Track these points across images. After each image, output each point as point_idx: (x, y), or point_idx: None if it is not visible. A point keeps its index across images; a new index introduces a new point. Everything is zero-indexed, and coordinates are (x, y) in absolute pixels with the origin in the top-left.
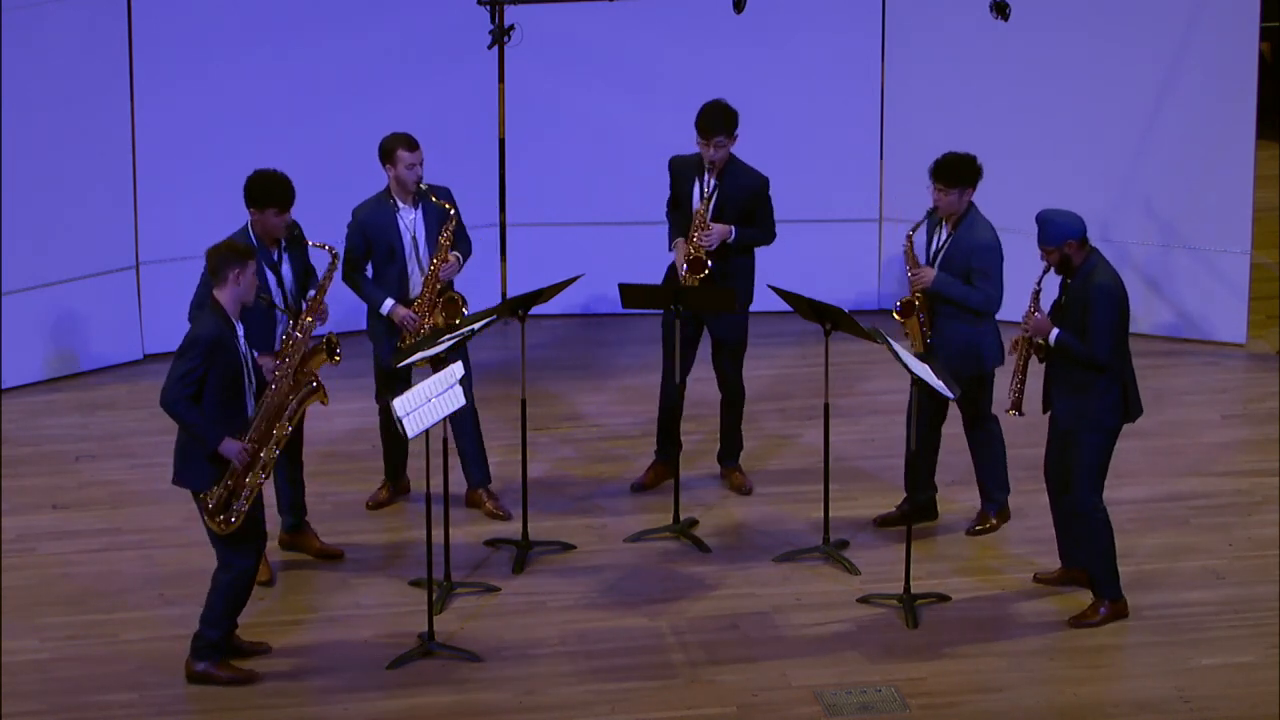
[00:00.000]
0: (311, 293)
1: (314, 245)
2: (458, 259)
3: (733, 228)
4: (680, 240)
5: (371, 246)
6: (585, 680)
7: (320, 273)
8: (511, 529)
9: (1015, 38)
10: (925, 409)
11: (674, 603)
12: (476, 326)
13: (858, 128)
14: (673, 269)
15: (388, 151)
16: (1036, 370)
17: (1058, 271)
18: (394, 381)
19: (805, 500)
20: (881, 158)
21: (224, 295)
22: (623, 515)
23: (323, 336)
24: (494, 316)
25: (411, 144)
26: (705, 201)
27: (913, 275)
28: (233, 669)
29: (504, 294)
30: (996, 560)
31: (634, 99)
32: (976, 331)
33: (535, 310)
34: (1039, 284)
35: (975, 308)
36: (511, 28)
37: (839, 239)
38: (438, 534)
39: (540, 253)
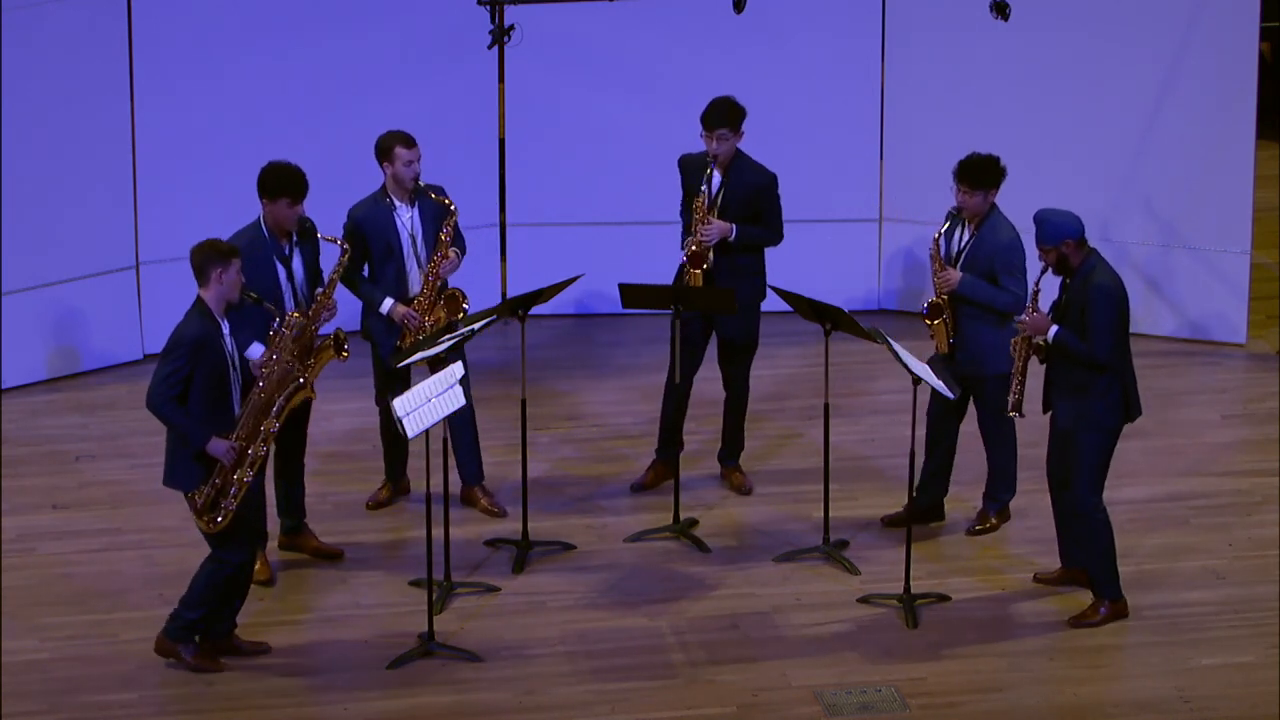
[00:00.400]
0: (321, 288)
1: (325, 239)
2: (457, 255)
3: (734, 225)
4: (690, 238)
5: (368, 245)
6: (585, 680)
7: (330, 269)
8: (511, 529)
9: (1015, 38)
10: (944, 414)
11: (674, 603)
12: (476, 326)
13: (858, 128)
14: (684, 268)
15: (385, 149)
16: (1036, 371)
17: (1055, 271)
18: (394, 381)
19: (805, 500)
20: (881, 158)
21: (209, 294)
22: (623, 515)
23: (329, 333)
24: (494, 316)
25: (409, 142)
26: (703, 195)
27: (939, 278)
28: (201, 658)
29: (504, 294)
30: (996, 560)
31: (634, 99)
32: (999, 333)
33: (535, 310)
34: (1038, 284)
35: (1003, 308)
36: (511, 28)
37: (839, 239)
38: (438, 534)
39: (540, 253)
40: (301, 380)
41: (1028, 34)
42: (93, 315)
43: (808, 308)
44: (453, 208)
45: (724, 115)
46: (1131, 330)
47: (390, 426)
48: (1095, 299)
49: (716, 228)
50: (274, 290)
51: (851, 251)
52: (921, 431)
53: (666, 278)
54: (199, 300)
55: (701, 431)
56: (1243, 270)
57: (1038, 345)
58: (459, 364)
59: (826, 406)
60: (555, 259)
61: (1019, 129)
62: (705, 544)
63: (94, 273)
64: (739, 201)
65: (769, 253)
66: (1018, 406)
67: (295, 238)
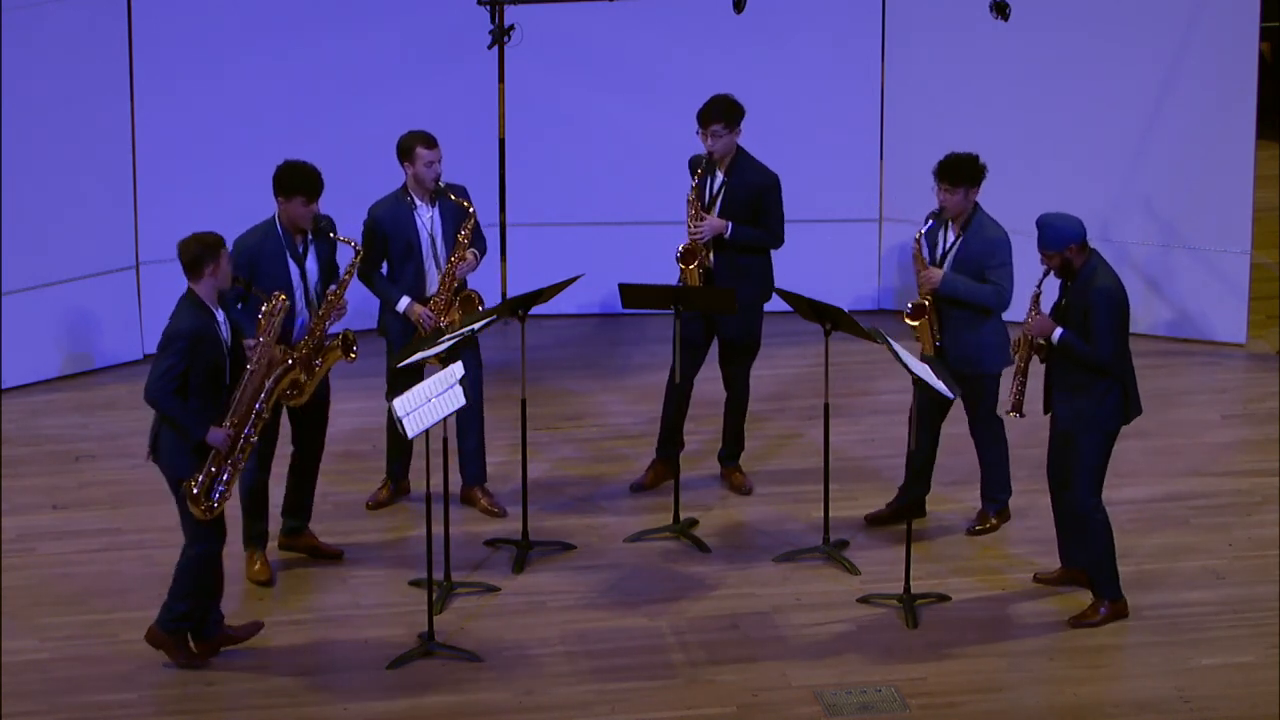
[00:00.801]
0: (333, 286)
1: (339, 239)
2: (475, 256)
3: (729, 223)
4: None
5: (388, 244)
6: (585, 680)
7: (342, 269)
8: (511, 529)
9: (1015, 38)
10: (927, 410)
11: (674, 603)
12: (476, 326)
13: (858, 128)
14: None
15: (406, 149)
16: (1037, 371)
17: (1058, 275)
18: (407, 380)
19: (805, 500)
20: (881, 158)
21: (201, 287)
22: (623, 515)
23: (338, 333)
24: (494, 316)
25: (430, 142)
26: (695, 190)
27: (921, 277)
28: (186, 652)
29: (504, 294)
30: (996, 560)
31: (634, 99)
32: (984, 331)
33: (535, 310)
34: (1039, 287)
35: (986, 303)
36: (511, 28)
37: (839, 239)
38: (438, 534)
39: (540, 253)
40: (290, 361)
41: (1028, 34)
42: (93, 315)
43: (808, 308)
44: (471, 210)
45: (718, 111)
46: (1132, 330)
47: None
48: (1097, 302)
49: (709, 225)
50: (287, 288)
51: (851, 251)
52: (926, 432)
53: (667, 277)
54: (190, 293)
55: (701, 431)
56: (1243, 270)
57: (1039, 345)
58: (459, 364)
59: (826, 406)
60: (555, 259)
61: (1019, 129)
62: (705, 544)
63: (94, 273)
64: (739, 201)
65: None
66: (1018, 407)
67: (310, 236)
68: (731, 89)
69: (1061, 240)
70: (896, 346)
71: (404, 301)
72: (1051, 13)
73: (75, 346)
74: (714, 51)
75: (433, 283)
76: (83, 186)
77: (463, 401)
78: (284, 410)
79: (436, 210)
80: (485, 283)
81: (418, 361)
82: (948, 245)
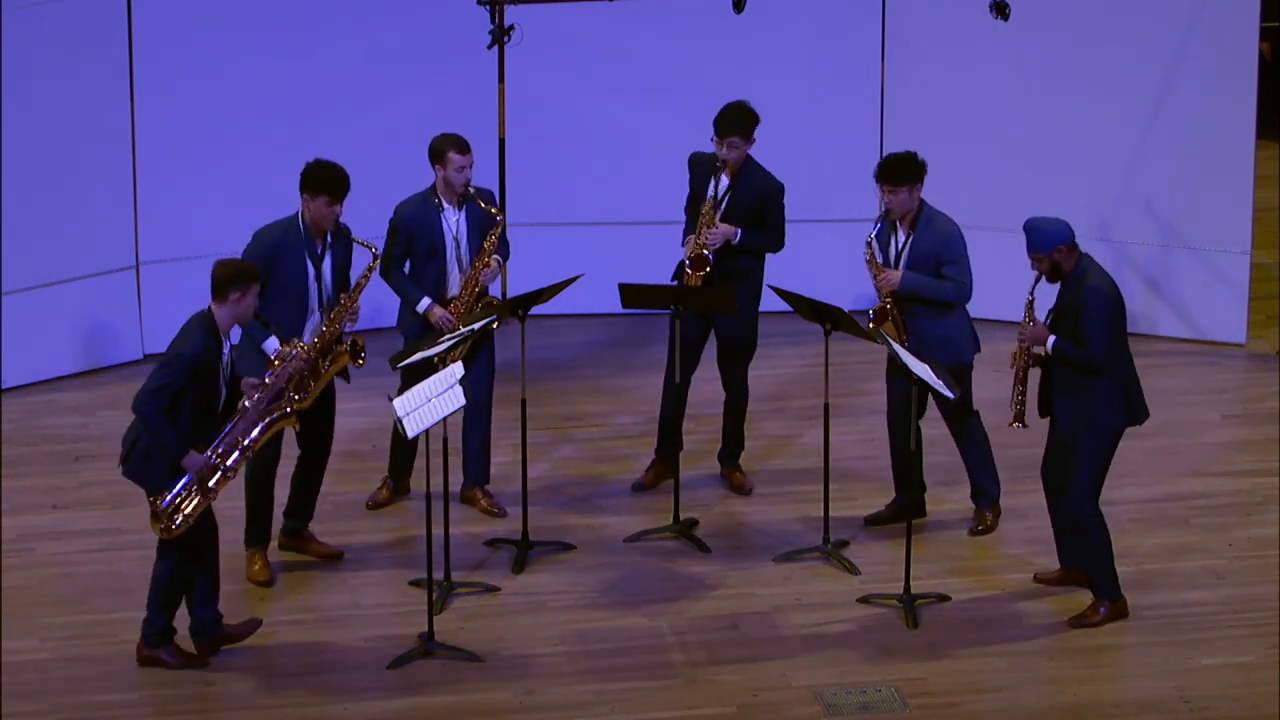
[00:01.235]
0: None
1: (358, 243)
2: (499, 263)
3: (739, 230)
4: (691, 238)
5: (412, 244)
6: (585, 680)
7: (359, 273)
8: (511, 529)
9: (1015, 38)
10: (905, 408)
11: (674, 603)
12: (476, 326)
13: (858, 128)
14: (683, 266)
15: (438, 152)
16: (1037, 377)
17: (1049, 279)
18: (419, 380)
19: (805, 500)
20: (881, 158)
21: (221, 312)
22: (623, 515)
23: (348, 337)
24: (493, 317)
25: (463, 146)
26: (711, 200)
27: (879, 281)
28: (181, 655)
29: (504, 294)
30: (996, 560)
31: (634, 99)
32: (949, 325)
33: (535, 310)
34: (1031, 294)
35: (948, 299)
36: (511, 28)
37: (839, 239)
38: (438, 534)
39: (540, 253)
40: (288, 410)
41: (1028, 34)
42: (93, 315)
43: (808, 308)
44: (500, 217)
45: (737, 124)
46: (1131, 330)
47: None
48: (1088, 303)
49: (721, 232)
50: (301, 287)
51: (851, 251)
52: (927, 431)
53: (666, 277)
54: (207, 314)
55: (701, 431)
56: (1243, 270)
57: (1036, 355)
58: (459, 364)
59: (826, 406)
60: (555, 259)
61: (1019, 129)
62: (705, 544)
63: (94, 273)
64: (744, 207)
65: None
66: (1020, 417)
67: (330, 238)
68: (731, 89)
69: (1049, 243)
70: (896, 346)
71: (425, 302)
72: (1051, 13)
73: (75, 347)
74: (714, 51)
75: (454, 286)
76: (83, 186)
77: (463, 401)
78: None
79: (464, 214)
80: None
81: (418, 361)
82: (900, 245)
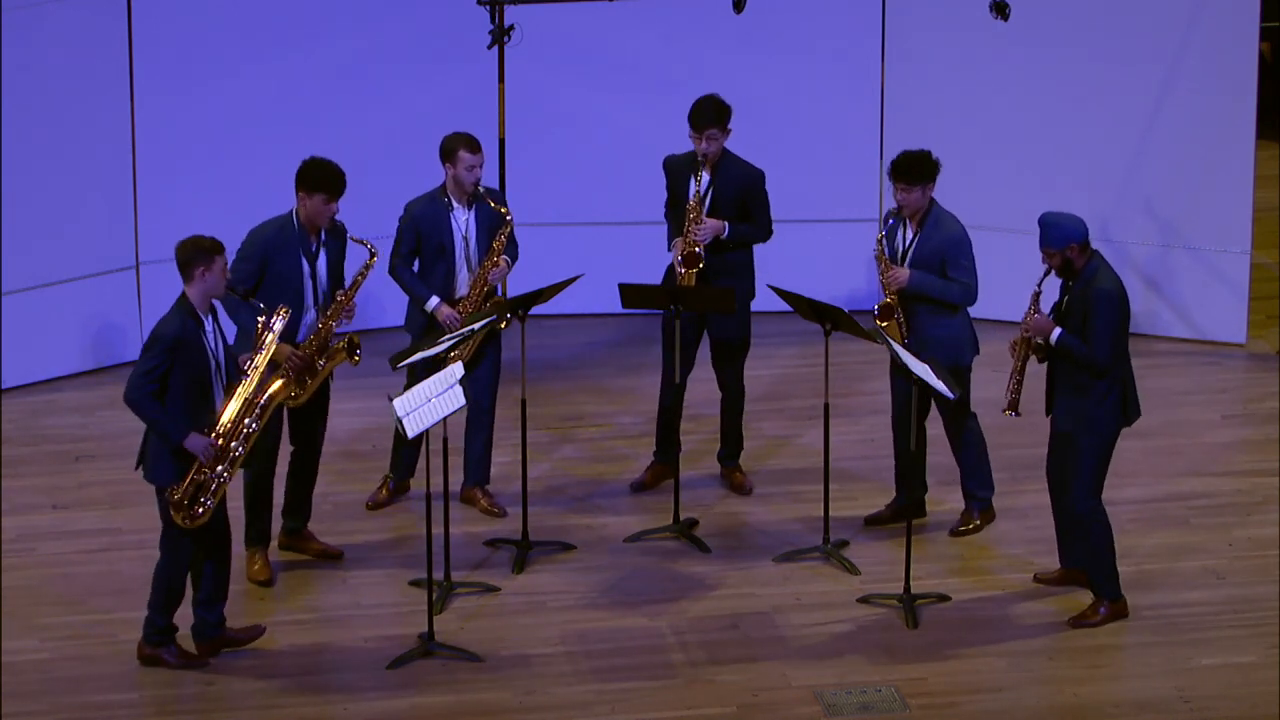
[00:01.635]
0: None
1: (354, 240)
2: (508, 263)
3: (726, 223)
4: (679, 239)
5: (421, 242)
6: (585, 680)
7: (355, 270)
8: (511, 529)
9: (1015, 38)
10: (909, 409)
11: (674, 603)
12: (476, 326)
13: (858, 128)
14: (671, 270)
15: (449, 151)
16: (1037, 372)
17: (1059, 274)
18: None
19: (805, 500)
20: (881, 158)
21: (192, 291)
22: (623, 515)
23: (344, 335)
24: (493, 317)
25: (474, 146)
26: (695, 196)
27: (887, 277)
28: (182, 655)
29: (504, 294)
30: (996, 560)
31: (634, 99)
32: (951, 326)
33: (535, 310)
34: (1039, 286)
35: (954, 301)
36: (511, 28)
37: (839, 239)
38: (438, 534)
39: (540, 253)
40: (284, 380)
41: (1027, 34)
42: (93, 315)
43: (808, 308)
44: (509, 217)
45: (713, 115)
46: (1132, 330)
47: None
48: (1098, 303)
49: (710, 226)
50: (296, 284)
51: (851, 251)
52: (930, 431)
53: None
54: (183, 296)
55: (700, 431)
56: (1243, 270)
57: (1037, 345)
58: (459, 364)
59: (826, 406)
60: (555, 259)
61: (1019, 129)
62: (705, 544)
63: (94, 273)
64: (728, 200)
65: (763, 252)
66: (1014, 405)
67: (324, 235)
68: (731, 89)
69: (1063, 239)
70: (896, 347)
71: (433, 301)
72: (1051, 13)
73: (75, 347)
74: (714, 51)
75: (462, 285)
76: (83, 186)
77: (463, 402)
78: (284, 410)
79: (473, 214)
80: None
81: (417, 361)
82: (907, 243)
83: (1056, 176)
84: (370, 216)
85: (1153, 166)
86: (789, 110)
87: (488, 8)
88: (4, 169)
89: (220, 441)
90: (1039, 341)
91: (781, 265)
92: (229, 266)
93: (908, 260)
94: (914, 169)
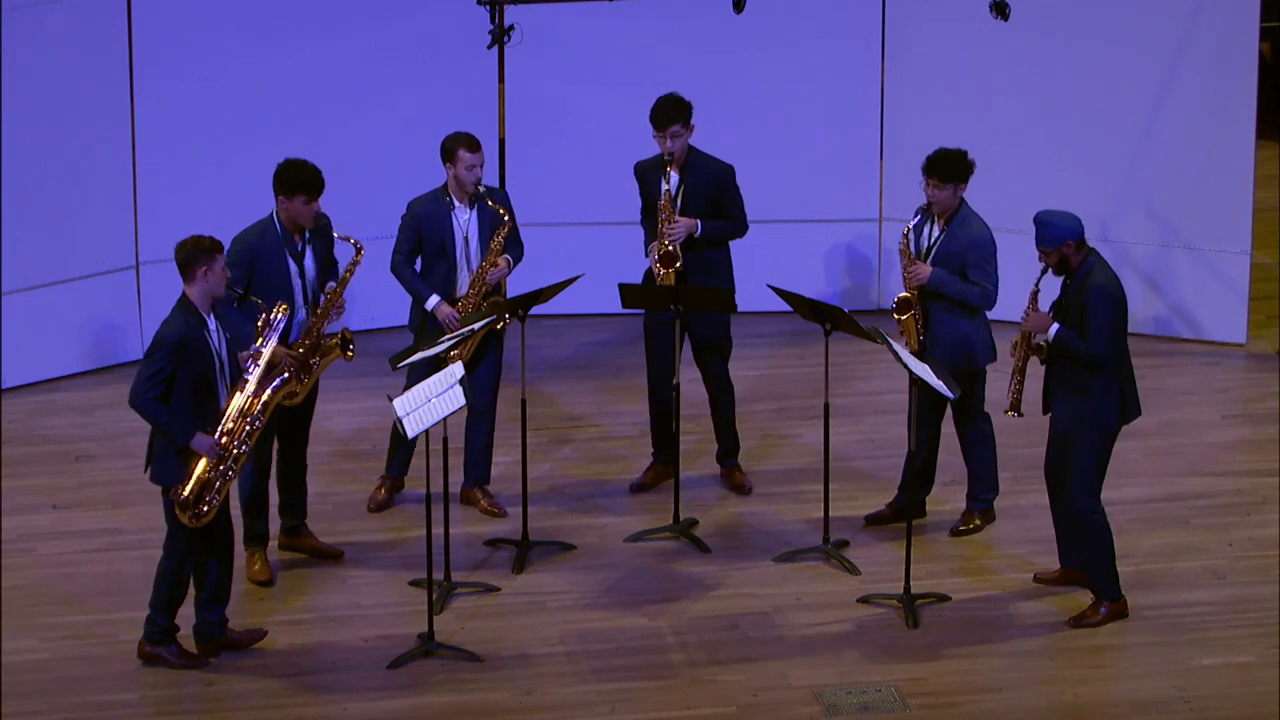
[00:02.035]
0: (333, 284)
1: (340, 238)
2: (508, 262)
3: (699, 221)
4: (654, 243)
5: (423, 241)
6: (585, 680)
7: (343, 267)
8: (511, 529)
9: (1015, 38)
10: (926, 410)
11: (674, 603)
12: (476, 326)
13: (858, 128)
14: (650, 274)
15: (449, 151)
16: (1037, 373)
17: (1056, 272)
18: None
19: (805, 500)
20: (881, 158)
21: (193, 291)
22: (623, 515)
23: (336, 332)
24: (493, 317)
25: (474, 145)
26: (666, 195)
27: (909, 272)
28: (183, 654)
29: (504, 294)
30: (996, 560)
31: (634, 99)
32: (969, 328)
33: (535, 310)
34: (1037, 284)
35: (973, 303)
36: (511, 28)
37: (839, 239)
38: (438, 534)
39: (540, 253)
40: (287, 375)
41: (1027, 34)
42: (93, 315)
43: (808, 308)
44: (506, 218)
45: (674, 112)
46: (1132, 330)
47: None
48: (1094, 300)
49: (683, 225)
50: (285, 286)
51: (851, 251)
52: (926, 431)
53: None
54: (184, 297)
55: (699, 432)
56: (1243, 270)
57: (1038, 345)
58: (459, 364)
59: (826, 406)
60: (555, 259)
61: (1019, 129)
62: (705, 544)
63: (94, 273)
64: (700, 197)
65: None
66: (1016, 406)
67: (308, 234)
68: (731, 89)
69: (1059, 237)
70: (896, 346)
71: (433, 300)
72: (1051, 13)
73: (75, 347)
74: (714, 51)
75: (463, 284)
76: (83, 186)
77: (463, 402)
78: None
79: (474, 213)
80: None
81: (417, 361)
82: (932, 240)
83: (1056, 176)
84: (370, 216)
85: (1153, 166)
86: (789, 110)
87: (488, 8)
88: (4, 169)
89: (224, 439)
90: (1039, 341)
91: (782, 265)
92: None
93: (931, 257)
94: (948, 167)
